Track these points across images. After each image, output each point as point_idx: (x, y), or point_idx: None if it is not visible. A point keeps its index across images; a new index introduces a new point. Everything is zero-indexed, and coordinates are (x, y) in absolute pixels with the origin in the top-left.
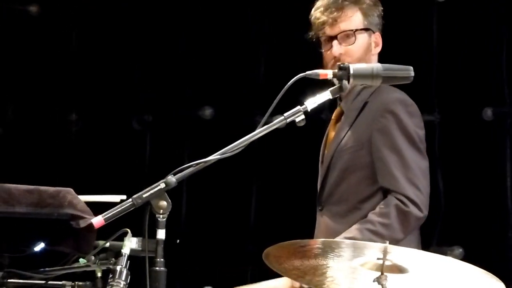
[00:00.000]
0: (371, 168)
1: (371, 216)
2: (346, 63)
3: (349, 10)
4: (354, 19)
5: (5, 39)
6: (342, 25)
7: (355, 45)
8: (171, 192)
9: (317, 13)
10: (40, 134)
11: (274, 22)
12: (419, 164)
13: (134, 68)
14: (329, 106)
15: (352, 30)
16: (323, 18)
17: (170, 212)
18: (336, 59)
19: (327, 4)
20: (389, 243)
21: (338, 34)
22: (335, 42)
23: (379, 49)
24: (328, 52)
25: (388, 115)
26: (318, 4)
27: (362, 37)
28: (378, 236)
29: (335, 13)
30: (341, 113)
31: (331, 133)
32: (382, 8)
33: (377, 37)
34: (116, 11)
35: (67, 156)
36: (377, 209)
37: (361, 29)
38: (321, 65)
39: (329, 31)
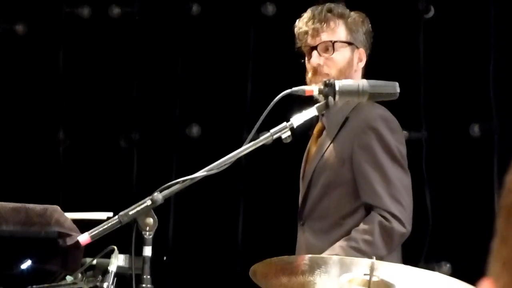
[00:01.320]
0: (352, 184)
1: (354, 233)
2: (332, 80)
3: (332, 22)
4: (337, 31)
5: None
6: (323, 36)
7: (335, 56)
8: (159, 209)
9: (300, 24)
10: (27, 152)
11: (260, 39)
12: (402, 180)
13: (121, 87)
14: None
15: (331, 41)
16: (306, 28)
17: (158, 229)
18: (315, 69)
19: (311, 15)
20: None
21: (318, 44)
22: (314, 53)
23: (362, 64)
24: (307, 62)
25: (370, 131)
26: (303, 15)
27: (343, 50)
28: (361, 253)
29: (318, 24)
30: (323, 128)
31: (312, 148)
32: (370, 26)
33: (360, 53)
34: (102, 30)
35: (55, 174)
36: (360, 226)
37: (342, 42)
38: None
39: (310, 41)
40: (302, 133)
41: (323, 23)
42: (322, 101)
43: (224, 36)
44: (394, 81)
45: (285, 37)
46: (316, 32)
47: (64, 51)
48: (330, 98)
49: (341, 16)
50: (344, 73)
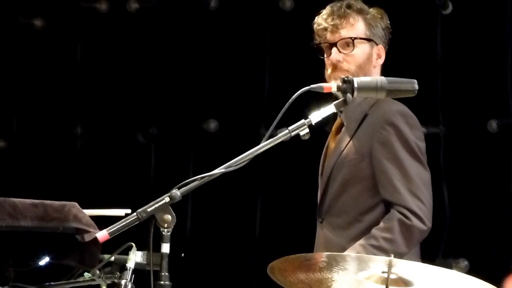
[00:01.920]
0: (372, 180)
1: (375, 231)
2: (350, 76)
3: (351, 18)
4: (356, 27)
5: (10, 53)
6: (343, 32)
7: (354, 53)
8: (176, 206)
9: (319, 20)
10: (45, 148)
11: (278, 35)
12: (421, 176)
13: (139, 81)
14: (333, 118)
15: (351, 37)
16: (325, 24)
17: (175, 226)
18: (334, 65)
19: (330, 11)
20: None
21: (338, 41)
22: (334, 49)
23: (381, 61)
24: (326, 58)
25: (389, 127)
26: (322, 11)
27: (363, 47)
28: (382, 251)
29: (337, 20)
30: (341, 125)
31: (331, 144)
32: (388, 22)
33: (379, 49)
34: (120, 24)
35: (72, 170)
36: (381, 224)
37: (361, 38)
38: (325, 78)
39: (329, 37)
40: (320, 130)
41: (342, 19)
42: (341, 98)
43: (242, 31)
44: (412, 78)
45: (303, 33)
46: (335, 29)
47: (82, 46)
48: (349, 95)
49: (360, 12)
50: (363, 70)
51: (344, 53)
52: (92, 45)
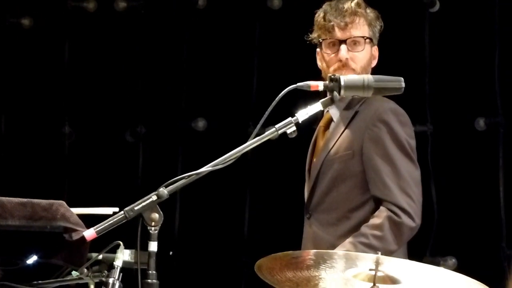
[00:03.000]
0: (362, 177)
1: (364, 229)
2: (337, 74)
3: (361, 17)
4: (364, 27)
5: None
6: (352, 30)
7: (362, 52)
8: (164, 204)
9: (328, 16)
10: (33, 146)
11: (266, 33)
12: (412, 173)
13: (127, 80)
14: (319, 116)
15: (363, 37)
16: (335, 21)
17: (164, 224)
18: (343, 63)
19: (339, 8)
20: (384, 255)
21: (348, 38)
22: (343, 46)
23: (375, 62)
24: (333, 55)
25: (381, 124)
26: (327, 7)
27: (367, 47)
28: (372, 249)
29: (348, 18)
30: (330, 121)
31: (320, 141)
32: (382, 24)
33: (375, 50)
34: (108, 23)
35: (60, 168)
36: (370, 222)
37: (368, 38)
38: (313, 76)
39: (339, 34)
40: (306, 127)
41: (353, 17)
42: (328, 96)
43: (230, 30)
44: (399, 76)
45: (291, 32)
46: (345, 26)
47: (70, 45)
48: (335, 93)
49: (366, 12)
50: (365, 70)
51: (352, 52)
52: (80, 44)
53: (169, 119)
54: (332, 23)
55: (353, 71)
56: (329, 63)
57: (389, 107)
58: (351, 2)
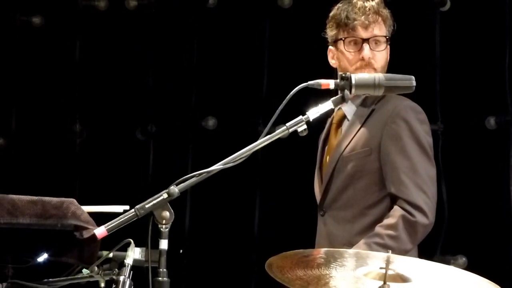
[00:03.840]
0: (379, 174)
1: (378, 229)
2: (348, 73)
3: (381, 17)
4: (384, 27)
5: (9, 51)
6: (375, 29)
7: (383, 52)
8: (175, 202)
9: (351, 14)
10: (43, 144)
11: (277, 32)
12: (428, 171)
13: (138, 79)
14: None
15: (385, 36)
16: (360, 19)
17: (174, 222)
18: (366, 62)
19: (363, 7)
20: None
21: (372, 38)
22: (366, 45)
23: (387, 62)
24: (355, 53)
25: (400, 121)
26: (347, 6)
27: (387, 46)
28: (387, 249)
29: (371, 17)
30: (343, 118)
31: (333, 138)
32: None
33: (388, 50)
34: (119, 22)
35: (71, 166)
36: (384, 221)
37: (387, 37)
38: (324, 75)
39: (362, 33)
40: (316, 125)
41: (376, 16)
42: (339, 95)
43: (240, 28)
44: (410, 75)
45: (301, 30)
46: (369, 25)
47: (81, 43)
48: (346, 92)
49: (385, 11)
50: (384, 69)
51: (374, 51)
52: (90, 42)
53: (179, 117)
54: (355, 22)
55: (374, 70)
56: (351, 62)
57: (408, 105)
58: (373, 0)
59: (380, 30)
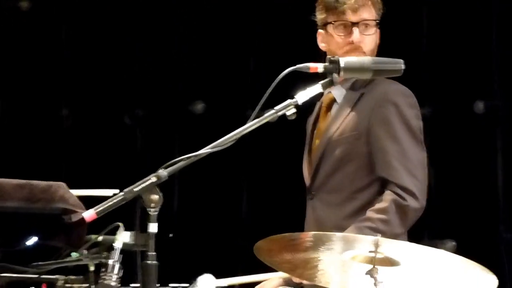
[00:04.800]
0: (368, 158)
1: (370, 213)
2: (336, 56)
3: (372, 0)
4: (373, 10)
5: None
6: (364, 13)
7: (372, 36)
8: (164, 186)
9: None
10: (31, 129)
11: (264, 17)
12: (418, 155)
13: (125, 63)
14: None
15: (374, 20)
16: (349, 3)
17: (163, 206)
18: (355, 46)
19: None
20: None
21: (361, 21)
22: (356, 29)
23: (376, 45)
24: (344, 37)
25: (389, 105)
26: None
27: (376, 30)
28: (378, 233)
29: (360, 1)
30: (332, 101)
31: (322, 122)
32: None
33: (378, 33)
34: (106, 7)
35: (59, 151)
36: (375, 205)
37: (376, 21)
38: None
39: (351, 17)
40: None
41: (365, 0)
42: (327, 78)
43: (228, 12)
44: (398, 58)
45: (290, 14)
46: (358, 9)
47: (67, 28)
48: (335, 75)
49: None
50: (374, 53)
51: (364, 35)
52: (77, 27)
53: (167, 102)
54: (345, 6)
55: (364, 54)
56: (340, 45)
57: (398, 89)
58: None
59: (370, 13)
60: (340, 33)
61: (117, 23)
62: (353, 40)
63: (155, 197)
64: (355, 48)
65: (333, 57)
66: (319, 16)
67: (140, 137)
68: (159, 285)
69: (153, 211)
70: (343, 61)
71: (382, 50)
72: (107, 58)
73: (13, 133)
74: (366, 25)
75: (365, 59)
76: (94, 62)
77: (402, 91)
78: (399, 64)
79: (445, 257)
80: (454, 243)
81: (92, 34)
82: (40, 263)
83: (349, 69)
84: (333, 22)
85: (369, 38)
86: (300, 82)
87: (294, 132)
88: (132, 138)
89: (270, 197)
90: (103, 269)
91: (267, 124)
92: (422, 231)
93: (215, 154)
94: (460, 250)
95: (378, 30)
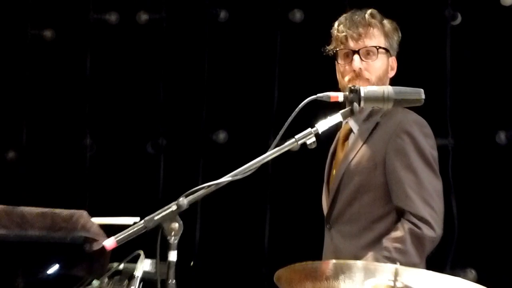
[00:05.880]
0: (384, 188)
1: (386, 242)
2: (357, 86)
3: (375, 28)
4: (378, 37)
5: (20, 64)
6: (366, 41)
7: (376, 62)
8: (185, 214)
9: (341, 27)
10: (54, 158)
11: (288, 46)
12: (434, 185)
13: (148, 92)
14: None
15: (375, 46)
16: (349, 32)
17: (185, 234)
18: (356, 73)
19: (353, 19)
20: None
21: (361, 48)
22: (356, 57)
23: (393, 73)
24: (347, 66)
25: (404, 135)
26: (342, 19)
27: (383, 57)
28: (394, 263)
29: (361, 29)
30: (349, 132)
31: (339, 152)
32: (400, 35)
33: (393, 61)
34: (130, 36)
35: (82, 179)
36: (391, 234)
37: (383, 48)
38: (333, 88)
39: (352, 45)
40: (326, 138)
41: (366, 28)
42: (347, 107)
43: (251, 42)
44: (420, 88)
45: (312, 44)
46: (359, 36)
47: (92, 57)
48: (355, 104)
49: (381, 22)
50: (382, 80)
51: (366, 62)
52: (101, 56)
53: (190, 131)
54: (345, 34)
55: (368, 81)
56: (344, 73)
57: (412, 119)
58: (365, 13)
59: (372, 41)
60: (343, 61)
61: (141, 52)
62: (353, 68)
63: (175, 225)
64: (356, 76)
65: (354, 86)
66: (330, 46)
67: (163, 165)
68: None
69: (173, 240)
70: (363, 91)
71: (404, 79)
72: (130, 87)
73: (37, 161)
74: (368, 52)
75: (386, 89)
76: (118, 91)
77: (417, 121)
78: (420, 93)
79: (465, 287)
80: (475, 273)
81: (115, 63)
82: None
83: (370, 98)
84: (337, 51)
85: (374, 65)
86: (321, 111)
87: (316, 161)
88: (155, 166)
89: (293, 226)
90: None
91: (289, 152)
92: (444, 261)
93: (237, 182)
94: (481, 281)
95: (390, 57)
